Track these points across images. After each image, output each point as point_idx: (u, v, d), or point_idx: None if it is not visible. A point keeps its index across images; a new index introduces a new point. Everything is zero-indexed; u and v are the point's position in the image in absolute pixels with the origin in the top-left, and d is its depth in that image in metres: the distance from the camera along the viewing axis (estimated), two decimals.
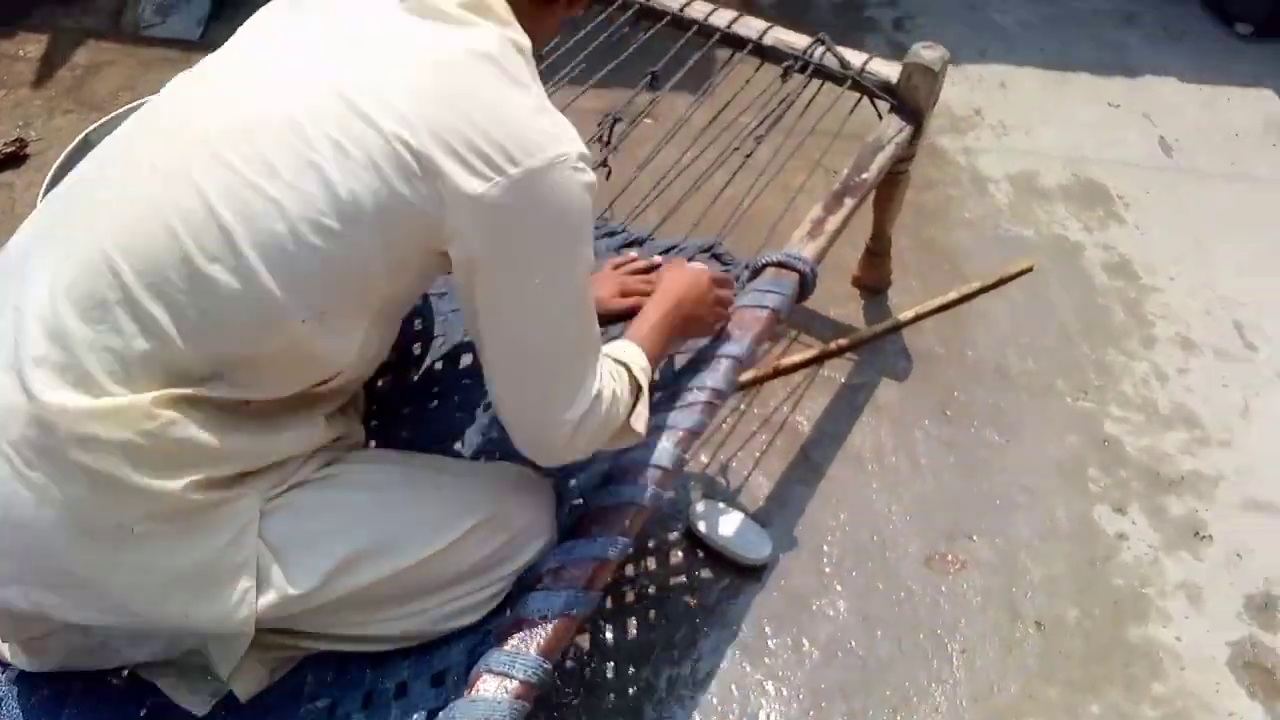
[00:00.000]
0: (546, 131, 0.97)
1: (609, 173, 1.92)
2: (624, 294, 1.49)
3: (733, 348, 1.44)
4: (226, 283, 0.90)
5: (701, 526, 1.75)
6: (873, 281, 2.23)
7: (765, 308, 1.50)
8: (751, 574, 1.72)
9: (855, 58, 1.92)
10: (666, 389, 1.41)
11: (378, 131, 0.91)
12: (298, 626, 1.08)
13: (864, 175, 1.76)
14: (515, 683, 1.09)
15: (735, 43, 1.99)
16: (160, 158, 0.95)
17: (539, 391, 1.05)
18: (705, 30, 2.00)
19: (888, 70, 1.88)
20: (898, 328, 2.14)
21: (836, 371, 2.07)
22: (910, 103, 1.86)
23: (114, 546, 0.93)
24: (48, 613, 0.97)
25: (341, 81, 0.94)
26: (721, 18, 2.00)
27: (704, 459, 1.90)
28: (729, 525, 1.75)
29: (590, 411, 1.07)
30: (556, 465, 1.15)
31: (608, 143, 1.90)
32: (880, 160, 1.78)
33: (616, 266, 1.55)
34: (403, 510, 1.09)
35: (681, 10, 2.02)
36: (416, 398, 1.46)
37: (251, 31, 1.07)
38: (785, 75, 1.94)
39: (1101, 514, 1.82)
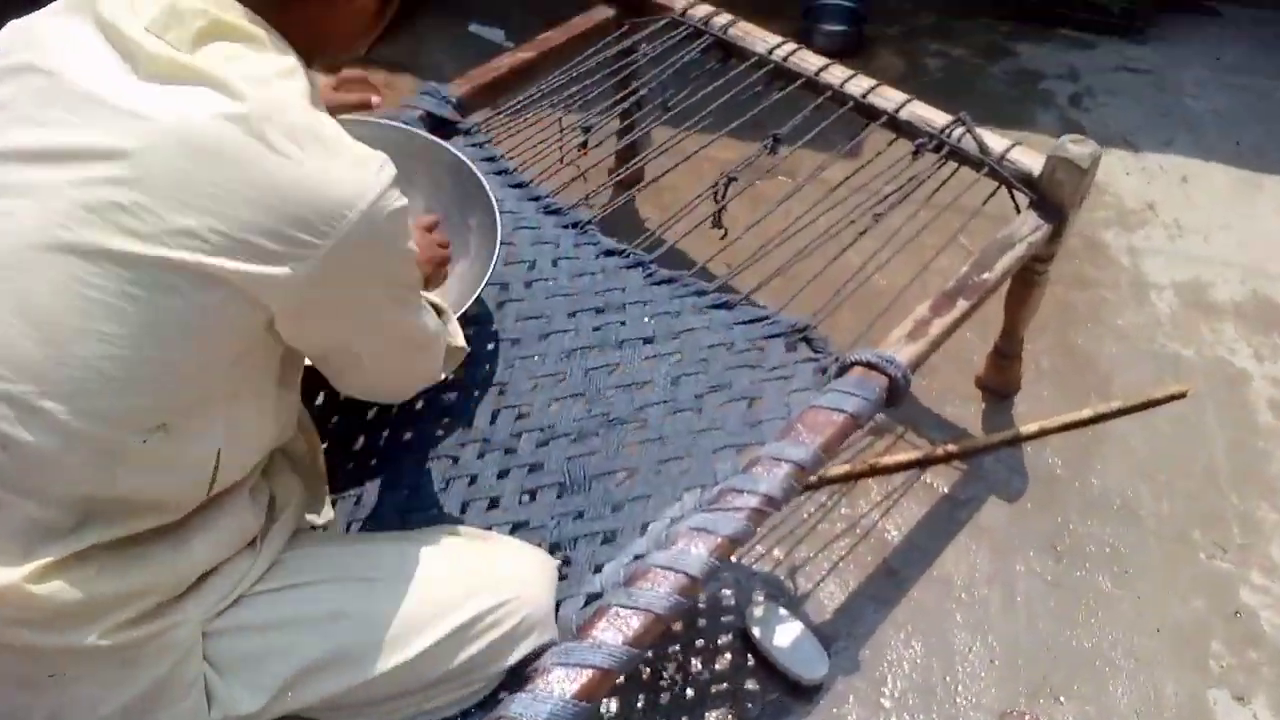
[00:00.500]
0: (346, 182, 0.83)
1: (724, 233, 1.84)
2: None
3: (796, 451, 1.30)
4: (38, 443, 0.80)
5: (757, 631, 1.60)
6: (998, 385, 2.03)
7: (842, 412, 1.35)
8: (803, 693, 1.56)
9: (996, 143, 1.74)
10: (716, 487, 1.29)
11: (148, 257, 0.78)
12: None
13: (985, 275, 1.58)
14: None
15: (869, 113, 1.85)
16: None
17: (407, 378, 1.09)
18: (839, 97, 1.87)
19: (1030, 161, 1.70)
20: (1018, 440, 1.94)
21: (940, 479, 1.88)
22: (1052, 200, 1.67)
23: (57, 690, 0.88)
24: None
25: (84, 201, 0.78)
26: (858, 86, 1.86)
27: (777, 554, 1.75)
28: (787, 635, 1.60)
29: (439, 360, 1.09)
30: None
31: (719, 199, 1.81)
32: (1007, 260, 1.61)
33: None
34: (360, 621, 0.99)
35: (818, 74, 1.89)
36: (392, 455, 1.39)
37: None
38: (917, 154, 1.78)
39: (1218, 699, 1.56)
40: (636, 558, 1.21)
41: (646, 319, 1.55)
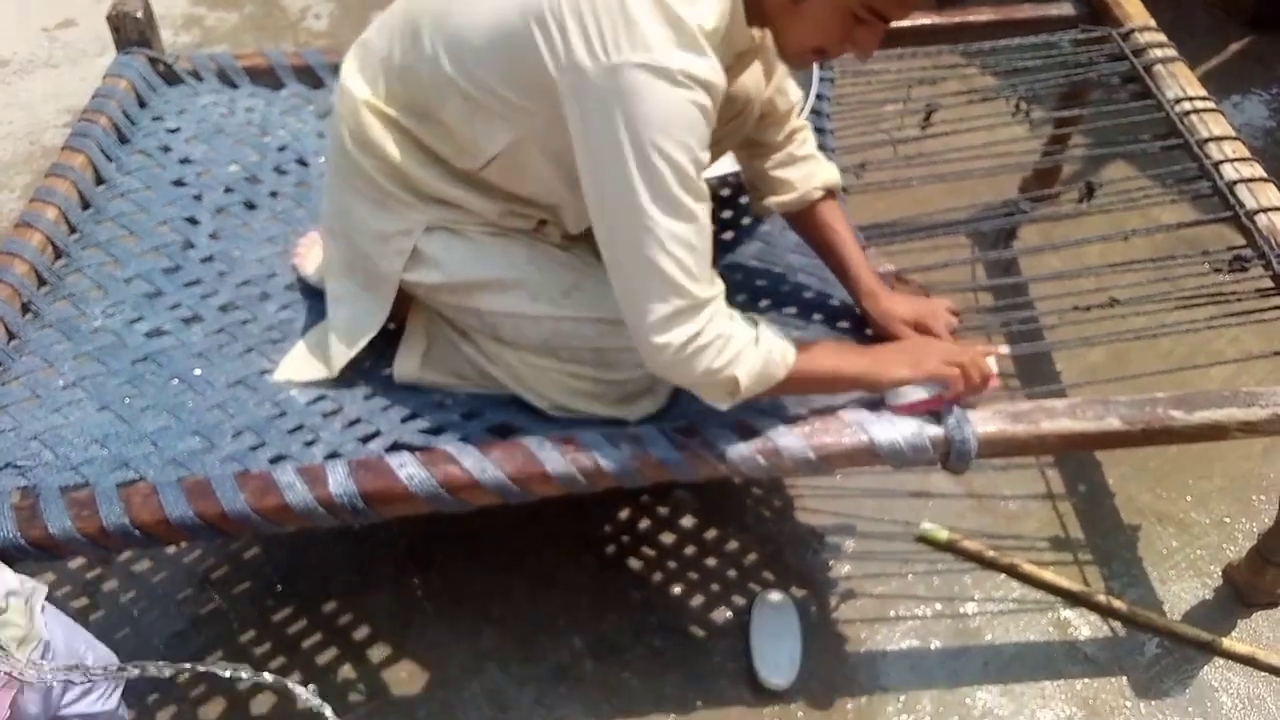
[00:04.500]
0: (657, 37, 1.05)
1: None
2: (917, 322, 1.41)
3: (788, 439, 1.27)
4: (422, 52, 1.20)
5: (755, 613, 1.59)
6: (1244, 587, 1.63)
7: (864, 433, 1.27)
8: (756, 691, 1.53)
9: None
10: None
11: None
12: (444, 313, 1.37)
13: (1175, 413, 1.30)
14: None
15: (1225, 201, 1.53)
16: None
17: (619, 274, 1.15)
18: (1205, 172, 1.57)
19: None
20: (1212, 649, 1.57)
21: (1080, 624, 1.61)
22: None
23: (351, 193, 1.32)
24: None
25: None
26: (1234, 171, 1.55)
27: (845, 571, 1.67)
28: (777, 633, 1.56)
29: (666, 326, 1.13)
30: (653, 365, 1.20)
31: (1012, 224, 1.69)
32: (1216, 417, 1.29)
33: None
34: (542, 275, 1.29)
35: (1202, 143, 1.60)
36: None
37: None
38: (1234, 265, 1.46)
39: None
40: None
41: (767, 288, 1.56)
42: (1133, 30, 1.82)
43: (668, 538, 1.72)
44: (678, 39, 1.06)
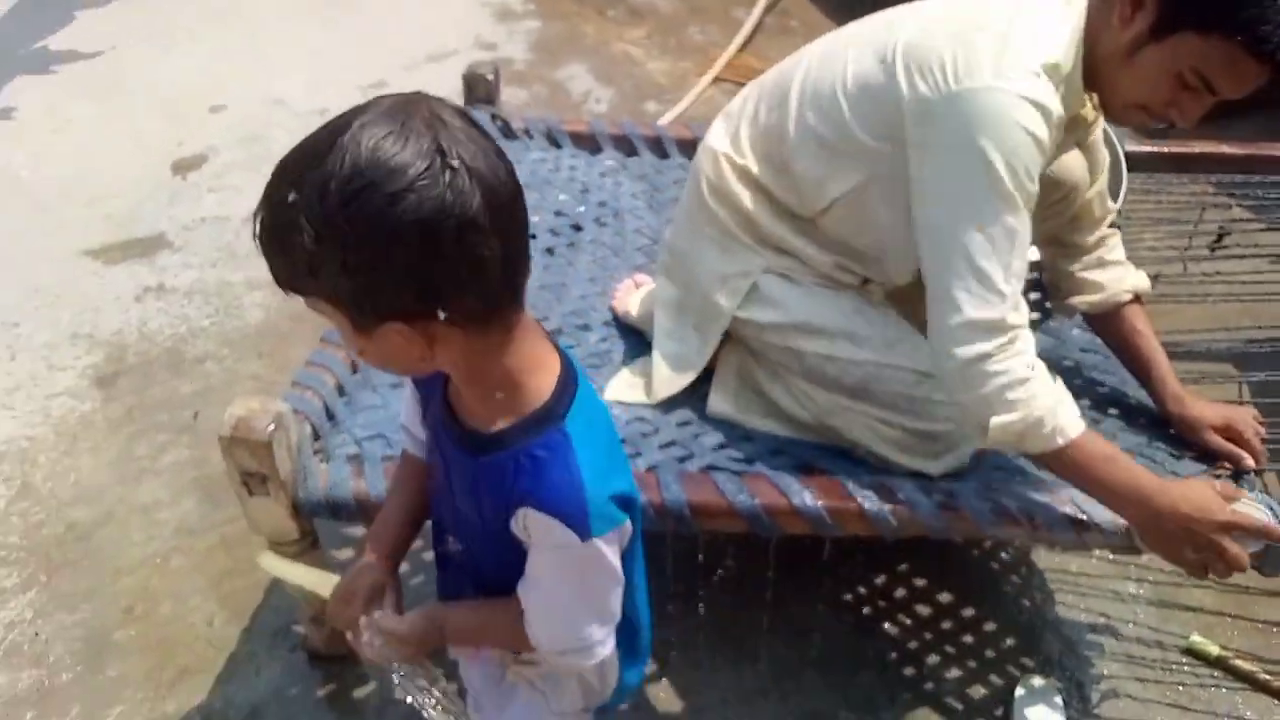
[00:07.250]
0: (995, 67, 1.18)
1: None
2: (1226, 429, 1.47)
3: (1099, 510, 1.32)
4: (788, 109, 1.39)
5: (1019, 692, 1.60)
6: None
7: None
8: None
9: None
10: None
11: (891, 40, 1.28)
12: (762, 351, 1.49)
13: None
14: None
15: None
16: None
17: (929, 272, 1.27)
18: None
19: None
20: None
21: None
22: None
23: (699, 238, 1.50)
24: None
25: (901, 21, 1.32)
26: None
27: (1109, 670, 1.66)
28: (1040, 715, 1.57)
29: (962, 336, 1.22)
30: (943, 376, 1.29)
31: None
32: None
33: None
34: (868, 326, 1.40)
35: None
36: None
37: None
38: None
39: None
40: None
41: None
42: None
43: (923, 609, 1.75)
44: (1020, 68, 1.18)
